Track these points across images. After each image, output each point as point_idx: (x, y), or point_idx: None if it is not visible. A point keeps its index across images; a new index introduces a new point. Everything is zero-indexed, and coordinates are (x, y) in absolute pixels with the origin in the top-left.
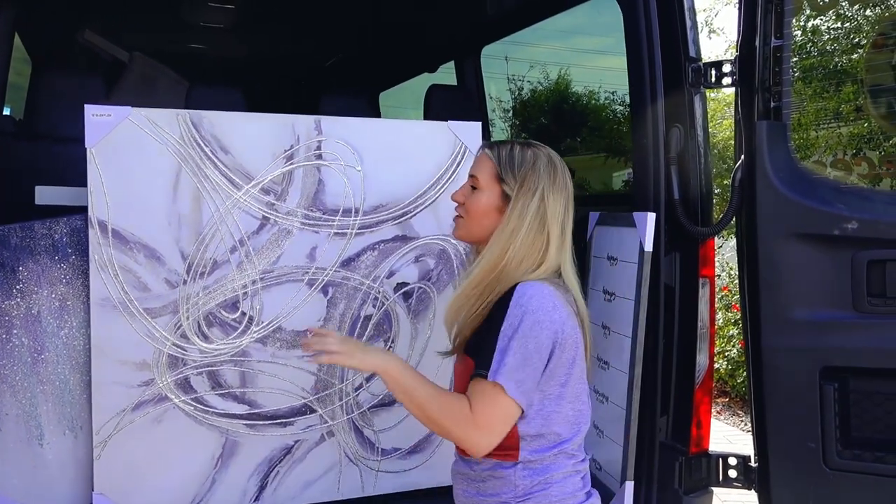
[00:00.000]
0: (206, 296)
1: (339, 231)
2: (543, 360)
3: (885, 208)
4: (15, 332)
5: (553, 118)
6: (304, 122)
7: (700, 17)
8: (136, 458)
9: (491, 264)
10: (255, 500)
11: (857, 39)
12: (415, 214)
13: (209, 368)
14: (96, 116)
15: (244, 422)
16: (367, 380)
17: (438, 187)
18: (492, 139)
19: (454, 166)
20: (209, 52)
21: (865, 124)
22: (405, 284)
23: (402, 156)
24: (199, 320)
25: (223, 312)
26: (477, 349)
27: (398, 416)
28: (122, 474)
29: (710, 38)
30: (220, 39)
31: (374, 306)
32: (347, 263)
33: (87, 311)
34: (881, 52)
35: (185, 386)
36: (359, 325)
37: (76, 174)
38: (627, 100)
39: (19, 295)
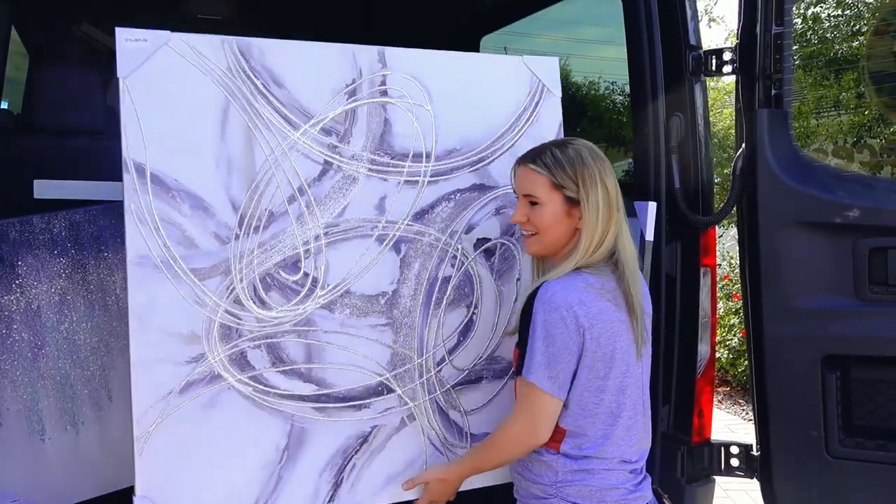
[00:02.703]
0: (262, 254)
1: (410, 179)
2: (574, 354)
3: (886, 196)
4: (15, 326)
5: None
6: (366, 53)
7: (699, 6)
8: (186, 452)
9: (580, 257)
10: (329, 501)
11: (857, 27)
12: (493, 160)
13: (268, 340)
14: (129, 42)
15: (312, 404)
16: (450, 352)
17: (517, 130)
18: None
19: (532, 106)
20: None
21: (866, 112)
22: (486, 240)
23: (475, 94)
24: (254, 283)
25: (282, 273)
26: (518, 345)
27: (488, 393)
28: (169, 471)
29: (710, 26)
30: (218, 31)
31: (452, 266)
32: (421, 216)
33: (87, 305)
34: (882, 40)
35: (241, 362)
36: (437, 288)
37: (75, 168)
38: (627, 90)
39: (18, 290)
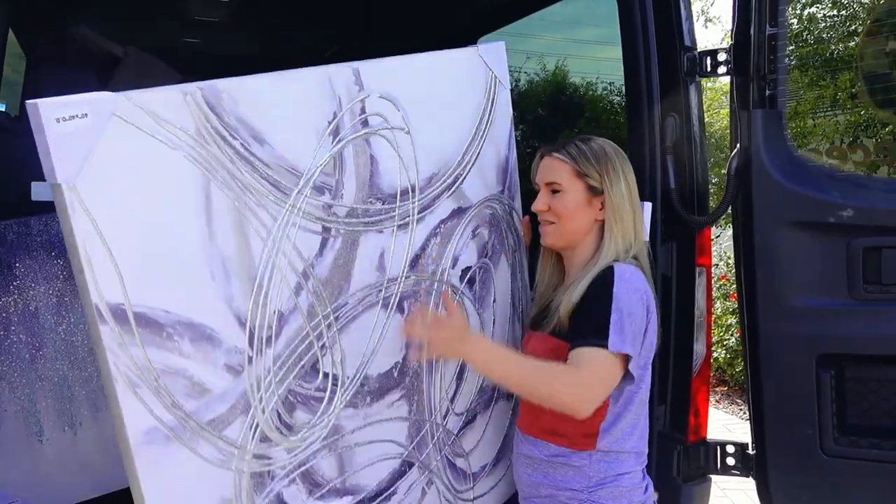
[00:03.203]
0: (280, 370)
1: (402, 222)
2: (642, 338)
3: (880, 195)
4: (13, 328)
5: (550, 109)
6: (342, 75)
7: (696, 6)
8: None
9: (614, 250)
10: None
11: (853, 27)
12: (465, 177)
13: (302, 469)
14: (64, 122)
15: None
16: (452, 400)
17: (479, 137)
18: None
19: (490, 106)
20: (205, 46)
21: (862, 112)
22: (469, 269)
23: (442, 100)
24: (277, 408)
25: (303, 385)
26: (577, 327)
27: (481, 426)
28: None
29: (707, 26)
30: (215, 33)
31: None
32: (415, 264)
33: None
34: (875, 40)
35: None
36: None
37: None
38: (624, 89)
39: (16, 291)
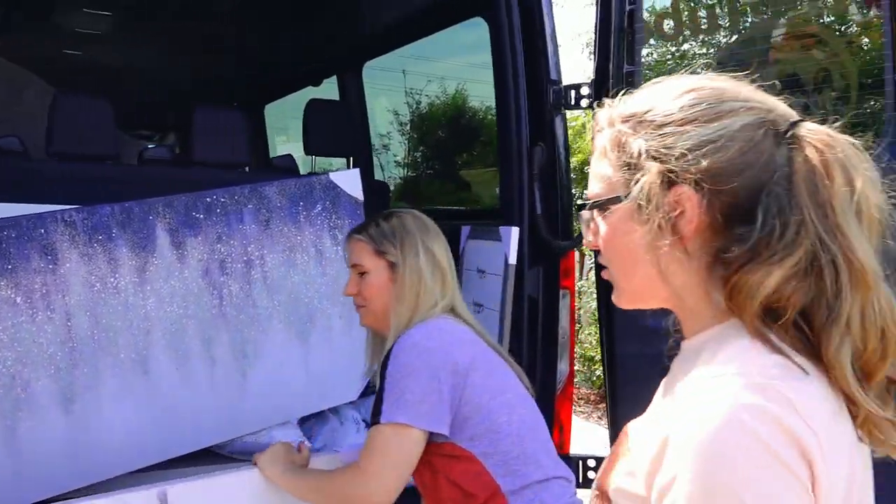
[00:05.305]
0: None
1: None
2: (446, 383)
3: None
4: None
5: (436, 132)
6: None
7: (582, 39)
8: None
9: (403, 326)
10: None
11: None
12: None
13: None
14: None
15: None
16: None
17: None
18: (373, 154)
19: None
20: (82, 58)
21: None
22: None
23: None
24: None
25: None
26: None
27: None
28: None
29: (591, 58)
30: (94, 46)
31: None
32: None
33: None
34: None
35: None
36: None
37: None
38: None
39: None
